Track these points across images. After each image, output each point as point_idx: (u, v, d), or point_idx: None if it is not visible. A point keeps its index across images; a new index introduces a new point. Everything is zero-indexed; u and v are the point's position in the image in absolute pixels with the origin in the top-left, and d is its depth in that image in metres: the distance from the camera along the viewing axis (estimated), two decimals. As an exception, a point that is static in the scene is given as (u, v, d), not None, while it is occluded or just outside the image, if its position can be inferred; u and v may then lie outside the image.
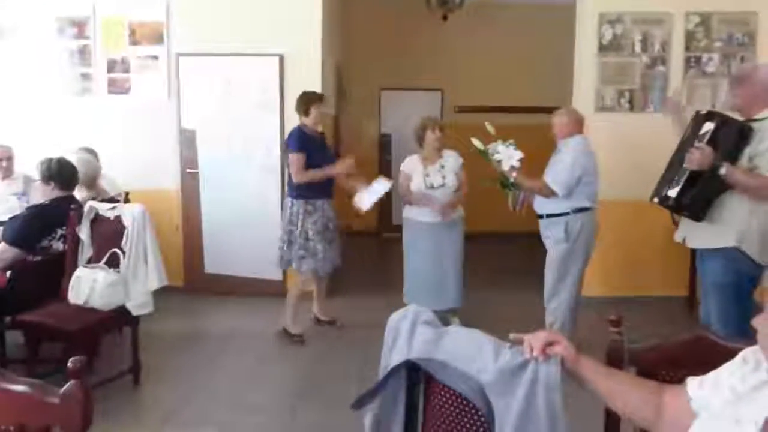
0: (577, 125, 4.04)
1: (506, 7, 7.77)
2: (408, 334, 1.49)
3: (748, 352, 1.12)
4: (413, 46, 7.90)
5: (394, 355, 1.51)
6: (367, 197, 4.27)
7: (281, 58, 5.13)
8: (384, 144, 8.11)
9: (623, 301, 4.98)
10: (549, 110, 6.25)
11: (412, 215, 4.46)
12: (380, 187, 4.29)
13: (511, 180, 3.89)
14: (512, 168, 3.82)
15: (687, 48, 5.16)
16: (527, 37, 7.74)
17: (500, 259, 6.64)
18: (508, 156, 3.81)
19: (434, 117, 4.61)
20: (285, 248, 4.34)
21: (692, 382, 1.19)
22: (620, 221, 5.14)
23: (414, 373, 1.48)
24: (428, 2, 6.84)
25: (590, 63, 5.16)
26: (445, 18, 7.00)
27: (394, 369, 1.48)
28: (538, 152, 4.09)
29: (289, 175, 4.35)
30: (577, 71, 5.28)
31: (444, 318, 4.45)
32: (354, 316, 4.77)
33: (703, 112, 3.31)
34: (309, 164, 4.20)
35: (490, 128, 3.92)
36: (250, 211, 5.07)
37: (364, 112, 8.00)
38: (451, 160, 4.40)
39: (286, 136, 4.50)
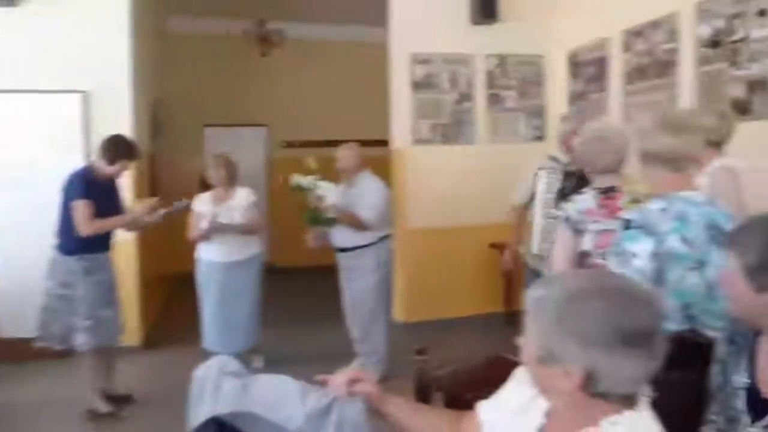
0: (362, 160, 4.20)
1: (326, 44, 8.00)
2: (213, 387, 1.41)
3: (521, 371, 1.20)
4: (237, 82, 7.81)
5: (200, 411, 1.42)
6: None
7: (85, 96, 4.75)
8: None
9: (445, 323, 5.25)
10: (374, 143, 6.51)
11: (204, 255, 4.33)
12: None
13: (330, 215, 3.92)
14: (332, 204, 3.87)
15: (489, 86, 5.67)
16: (348, 74, 8.02)
17: (308, 293, 6.71)
18: (328, 191, 3.86)
19: (219, 154, 4.48)
20: (53, 317, 3.63)
21: (481, 407, 1.26)
22: (437, 246, 5.42)
23: (223, 428, 1.40)
24: (248, 40, 6.80)
25: (405, 99, 5.44)
26: (263, 55, 7.01)
27: (201, 427, 1.38)
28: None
29: (63, 226, 3.66)
30: (394, 107, 5.54)
31: (246, 359, 4.34)
32: (176, 370, 4.43)
33: None
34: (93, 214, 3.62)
35: (311, 164, 3.95)
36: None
37: (186, 150, 7.68)
38: (242, 198, 4.33)
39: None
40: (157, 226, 4.06)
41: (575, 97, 5.41)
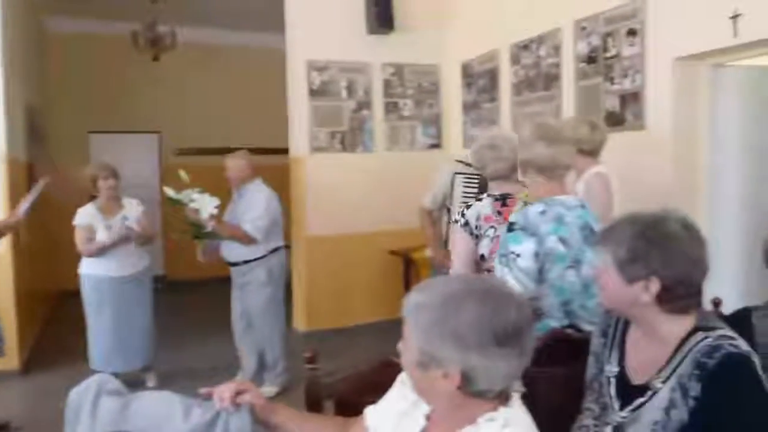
0: (253, 169, 4.10)
1: (221, 50, 7.81)
2: (91, 407, 1.33)
3: (405, 374, 1.23)
4: (126, 87, 7.45)
5: (77, 435, 1.33)
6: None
7: (-51, 100, 4.36)
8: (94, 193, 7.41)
9: (346, 330, 5.26)
10: (273, 151, 6.40)
11: (93, 271, 4.06)
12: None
13: (209, 229, 3.77)
14: (211, 216, 3.71)
15: (386, 94, 5.75)
16: (246, 80, 7.88)
17: (202, 306, 6.52)
18: (204, 204, 3.69)
19: (105, 164, 4.20)
20: None
21: (369, 412, 1.27)
22: (336, 254, 5.42)
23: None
24: (136, 43, 6.49)
25: (303, 106, 5.41)
26: (156, 59, 6.72)
27: (76, 451, 1.29)
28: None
29: None
30: (292, 114, 5.50)
31: (138, 378, 4.18)
32: (59, 395, 4.14)
33: None
34: None
35: (183, 176, 3.77)
36: None
37: (70, 159, 7.20)
38: (133, 208, 4.16)
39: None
40: (36, 241, 3.78)
41: (469, 107, 5.61)
